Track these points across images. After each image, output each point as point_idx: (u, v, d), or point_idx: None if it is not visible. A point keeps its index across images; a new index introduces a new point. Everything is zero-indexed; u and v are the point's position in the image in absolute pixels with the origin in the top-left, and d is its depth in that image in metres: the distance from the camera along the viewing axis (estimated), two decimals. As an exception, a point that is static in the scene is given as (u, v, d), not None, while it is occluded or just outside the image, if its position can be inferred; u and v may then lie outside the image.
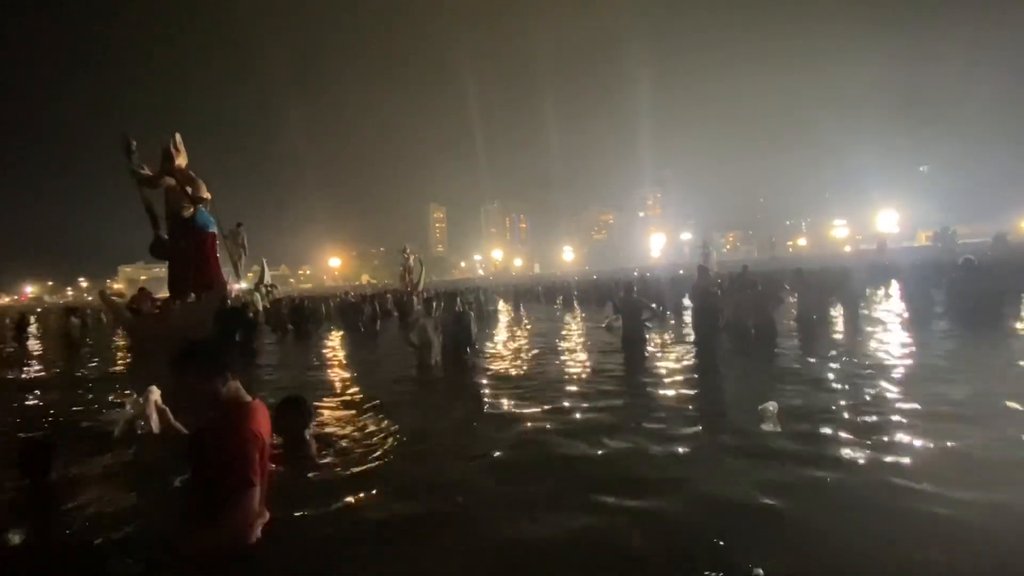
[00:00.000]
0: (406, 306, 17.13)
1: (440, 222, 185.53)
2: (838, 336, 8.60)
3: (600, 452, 3.72)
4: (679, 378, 6.01)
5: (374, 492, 3.11)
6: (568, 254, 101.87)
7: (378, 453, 3.79)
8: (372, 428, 4.48)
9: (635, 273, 30.46)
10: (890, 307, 12.98)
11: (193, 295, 10.04)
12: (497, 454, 3.75)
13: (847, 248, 71.18)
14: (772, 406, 3.96)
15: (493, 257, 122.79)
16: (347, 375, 7.73)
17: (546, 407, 5.01)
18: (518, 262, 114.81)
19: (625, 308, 7.56)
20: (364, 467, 3.51)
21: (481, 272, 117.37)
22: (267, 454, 2.12)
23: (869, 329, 9.02)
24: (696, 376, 6.20)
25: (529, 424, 4.47)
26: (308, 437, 3.41)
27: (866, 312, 11.34)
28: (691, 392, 5.42)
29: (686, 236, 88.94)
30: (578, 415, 4.70)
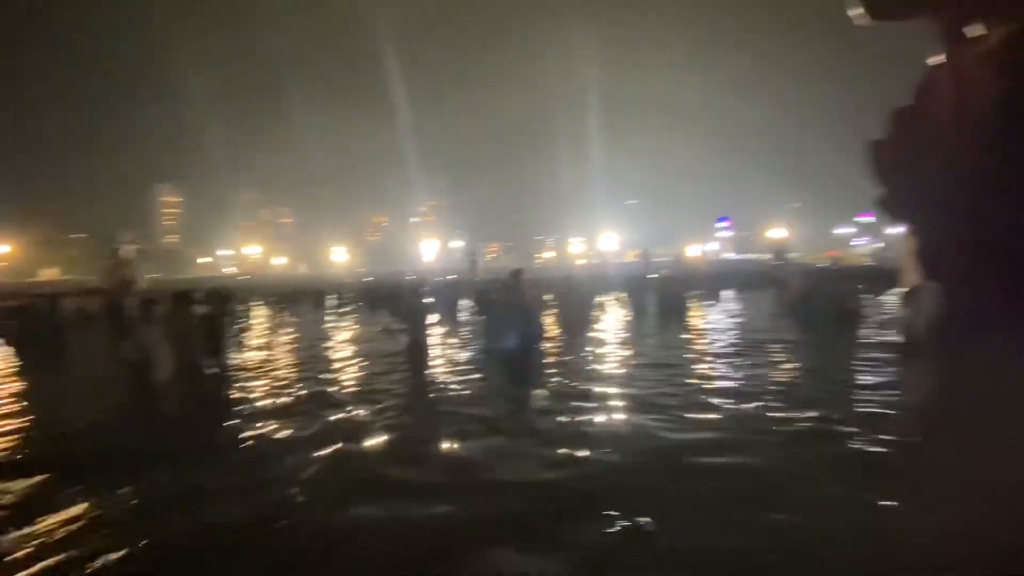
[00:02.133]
0: (119, 311, 13.27)
1: (173, 207, 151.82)
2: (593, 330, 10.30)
3: (399, 473, 3.37)
4: (468, 381, 6.05)
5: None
6: (340, 254, 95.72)
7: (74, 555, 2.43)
8: (56, 512, 2.84)
9: (408, 277, 30.45)
10: (618, 308, 16.15)
11: None
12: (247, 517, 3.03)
13: (581, 262, 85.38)
14: (542, 392, 5.15)
15: (248, 253, 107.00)
16: (17, 419, 5.41)
17: (320, 433, 4.25)
18: (282, 260, 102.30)
19: (410, 313, 7.29)
20: None
21: (233, 269, 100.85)
22: None
23: (606, 325, 11.09)
24: (482, 377, 6.34)
25: (303, 454, 3.78)
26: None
27: (600, 313, 14.01)
28: (478, 391, 5.49)
29: (456, 244, 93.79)
30: (366, 437, 4.18)
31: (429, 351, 7.61)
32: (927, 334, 6.13)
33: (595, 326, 11.13)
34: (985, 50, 5.71)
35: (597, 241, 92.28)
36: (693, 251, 78.32)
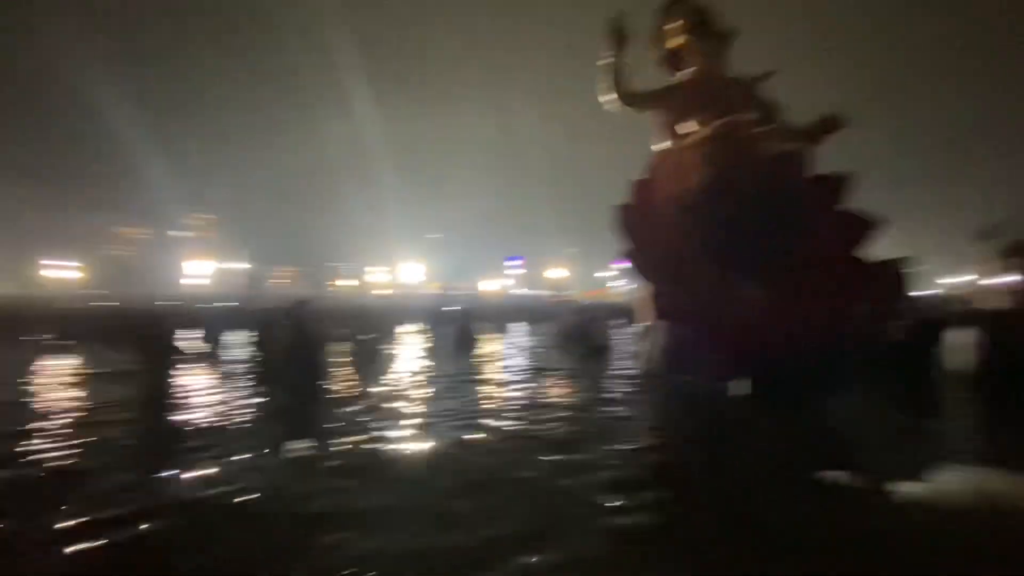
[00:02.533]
0: None
1: None
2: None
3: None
4: (233, 432, 5.21)
5: None
6: (68, 271, 72.54)
7: None
8: None
9: (165, 302, 25.06)
10: (416, 338, 16.23)
11: None
12: None
13: (381, 291, 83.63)
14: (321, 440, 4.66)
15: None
16: None
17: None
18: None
19: (158, 348, 6.02)
20: None
21: None
22: None
23: (402, 356, 11.08)
24: (250, 424, 5.55)
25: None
26: None
27: (398, 343, 14.05)
28: (242, 444, 4.75)
29: (241, 266, 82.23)
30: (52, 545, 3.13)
31: (173, 395, 6.37)
32: (657, 363, 7.66)
33: (390, 357, 10.93)
34: (694, 142, 7.64)
35: (398, 272, 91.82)
36: (490, 286, 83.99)
